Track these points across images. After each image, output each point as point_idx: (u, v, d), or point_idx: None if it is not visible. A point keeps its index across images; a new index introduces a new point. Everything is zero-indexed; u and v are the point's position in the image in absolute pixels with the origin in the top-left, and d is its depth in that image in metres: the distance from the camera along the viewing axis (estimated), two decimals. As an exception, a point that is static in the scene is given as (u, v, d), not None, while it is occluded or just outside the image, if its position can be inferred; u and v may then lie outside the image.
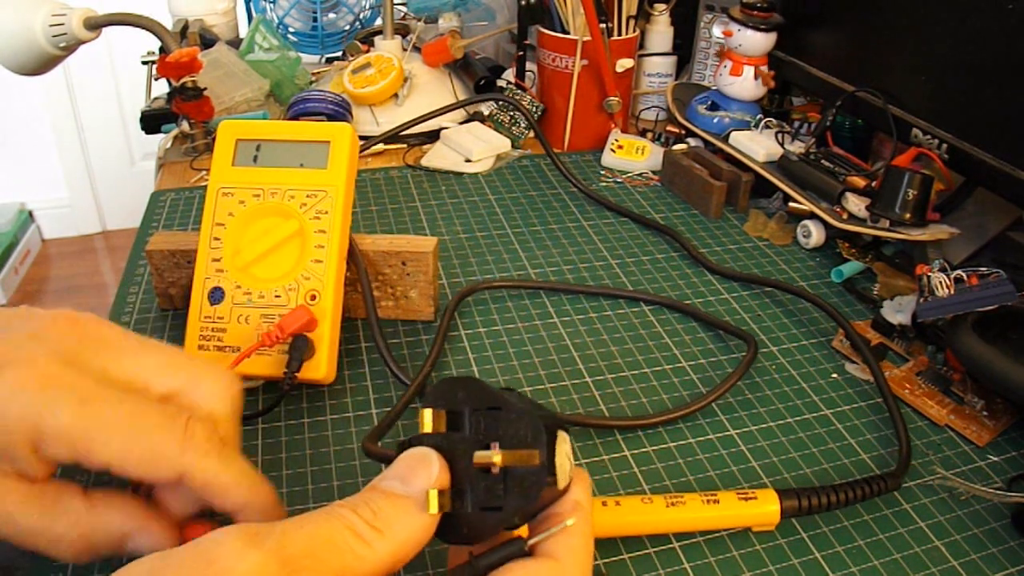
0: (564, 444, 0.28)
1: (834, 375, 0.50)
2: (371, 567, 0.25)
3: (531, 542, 0.27)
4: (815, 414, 0.47)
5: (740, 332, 0.52)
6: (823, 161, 0.64)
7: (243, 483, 0.30)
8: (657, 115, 0.88)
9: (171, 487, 0.32)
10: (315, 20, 0.95)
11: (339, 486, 0.41)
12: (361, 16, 0.97)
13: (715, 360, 0.51)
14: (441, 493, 0.27)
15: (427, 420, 0.28)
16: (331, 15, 0.96)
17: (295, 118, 0.75)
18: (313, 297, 0.46)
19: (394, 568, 0.26)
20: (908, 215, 0.56)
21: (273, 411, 0.45)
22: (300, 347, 0.44)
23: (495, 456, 0.27)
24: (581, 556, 0.27)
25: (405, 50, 0.87)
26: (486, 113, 0.83)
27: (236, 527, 0.24)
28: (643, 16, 0.85)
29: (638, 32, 0.80)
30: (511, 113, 0.81)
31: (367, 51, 0.86)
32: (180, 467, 0.29)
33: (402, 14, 0.98)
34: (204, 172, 0.74)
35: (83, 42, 0.72)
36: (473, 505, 0.27)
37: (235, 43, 0.91)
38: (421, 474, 0.27)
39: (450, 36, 0.85)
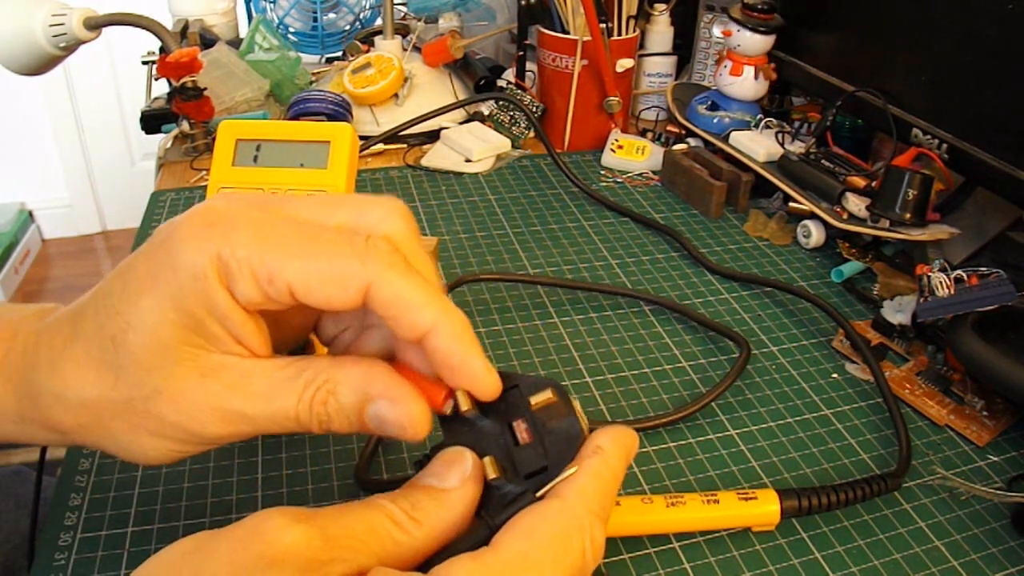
0: (574, 400, 0.30)
1: (834, 375, 0.50)
2: (410, 554, 0.26)
3: (539, 493, 0.28)
4: (815, 414, 0.47)
5: (732, 334, 0.52)
6: (823, 161, 0.64)
7: (432, 301, 0.28)
8: (657, 115, 0.88)
9: (362, 323, 0.31)
10: (315, 20, 0.95)
11: (339, 486, 0.41)
12: (361, 16, 0.97)
13: (715, 360, 0.51)
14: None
15: (462, 399, 0.29)
16: (331, 15, 0.96)
17: (295, 118, 0.75)
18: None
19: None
20: (908, 215, 0.56)
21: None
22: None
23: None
24: (591, 497, 0.27)
25: (405, 50, 0.87)
26: (486, 113, 0.83)
27: (281, 508, 0.24)
28: (643, 16, 0.85)
29: (638, 32, 0.80)
30: (511, 113, 0.81)
31: (367, 51, 0.86)
32: (364, 279, 0.27)
33: (402, 14, 0.98)
34: (204, 172, 0.75)
35: (83, 42, 0.72)
36: (519, 475, 0.28)
37: (235, 43, 0.91)
38: (456, 469, 0.28)
39: (450, 36, 0.85)
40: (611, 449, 0.29)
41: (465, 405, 0.29)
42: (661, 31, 0.87)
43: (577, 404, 0.30)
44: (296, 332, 0.33)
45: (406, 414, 0.28)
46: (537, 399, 0.29)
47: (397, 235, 0.30)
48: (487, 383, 0.29)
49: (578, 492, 0.27)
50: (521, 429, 0.29)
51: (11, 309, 0.34)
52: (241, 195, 0.30)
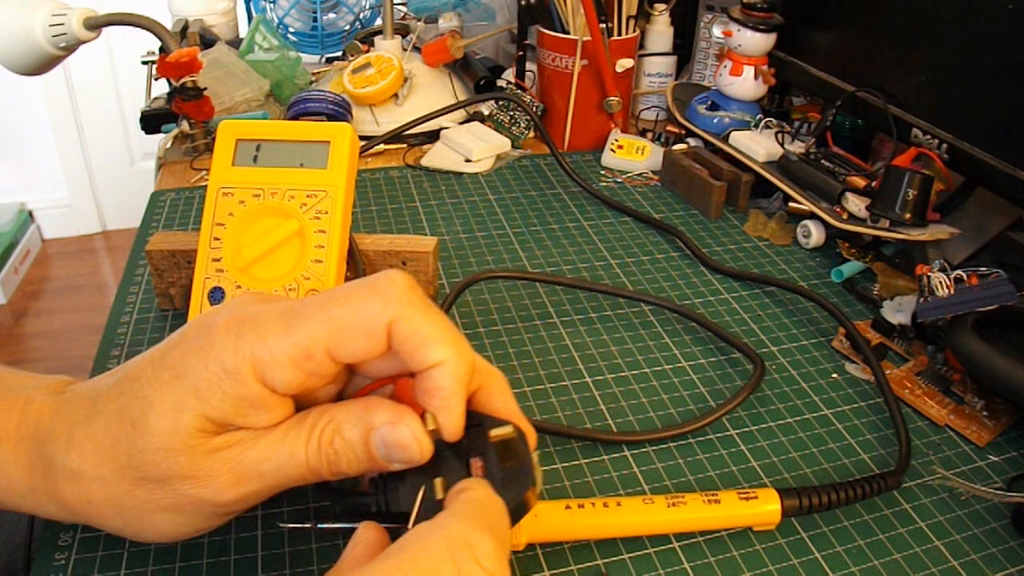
0: (534, 453, 0.32)
1: (834, 375, 0.50)
2: None
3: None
4: (815, 414, 0.47)
5: (747, 349, 0.50)
6: (823, 161, 0.64)
7: (446, 338, 0.30)
8: (657, 115, 0.88)
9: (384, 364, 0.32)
10: (315, 20, 0.95)
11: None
12: (361, 16, 0.97)
13: (715, 360, 0.51)
14: None
15: (431, 420, 0.30)
16: (331, 15, 0.96)
17: (295, 118, 0.75)
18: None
19: None
20: (908, 215, 0.56)
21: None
22: None
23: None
24: (465, 515, 0.29)
25: (405, 50, 0.87)
26: (486, 113, 0.83)
27: None
28: (643, 16, 0.85)
29: (638, 32, 0.80)
30: (511, 113, 0.81)
31: (367, 51, 0.86)
32: (386, 318, 0.29)
33: (402, 14, 0.98)
34: (204, 172, 0.74)
35: (83, 42, 0.72)
36: None
37: (235, 43, 0.91)
38: None
39: (450, 36, 0.85)
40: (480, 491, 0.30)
41: (432, 424, 0.30)
42: (661, 31, 0.87)
43: (535, 456, 0.32)
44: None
45: (407, 432, 0.30)
46: (497, 432, 0.31)
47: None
48: (453, 428, 0.31)
49: (449, 514, 0.28)
50: (476, 466, 0.31)
51: (24, 380, 0.35)
52: (259, 294, 0.32)
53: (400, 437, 0.30)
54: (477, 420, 0.32)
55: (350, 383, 0.34)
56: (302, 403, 0.32)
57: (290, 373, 0.29)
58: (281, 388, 0.29)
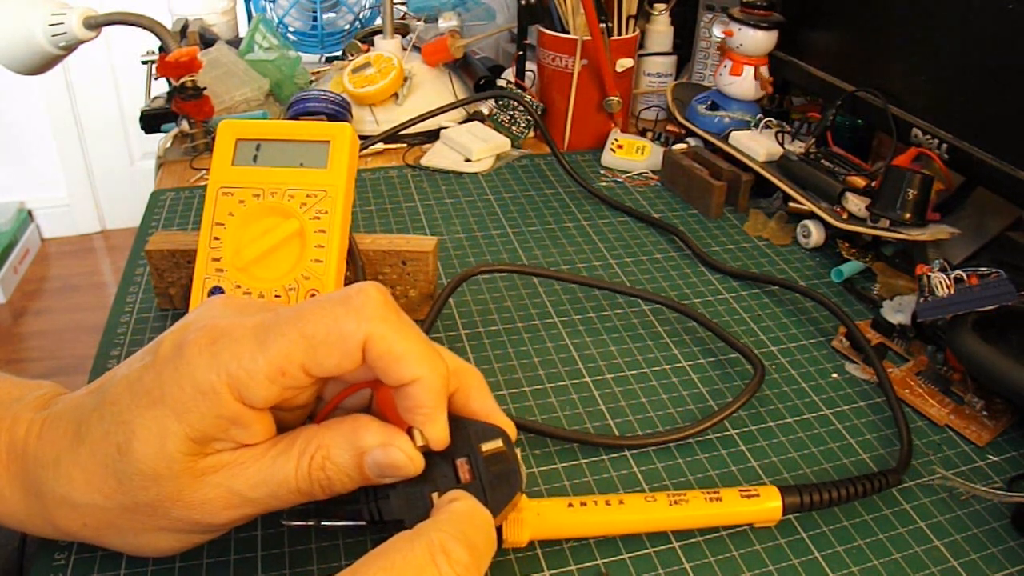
0: (518, 451, 0.33)
1: (834, 375, 0.50)
2: None
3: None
4: (815, 414, 0.47)
5: (747, 350, 0.50)
6: (823, 161, 0.64)
7: (420, 355, 0.30)
8: (657, 115, 0.88)
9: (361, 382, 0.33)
10: (315, 19, 0.95)
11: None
12: (361, 15, 0.97)
13: (714, 360, 0.51)
14: None
15: (418, 436, 0.31)
16: (331, 14, 0.96)
17: (295, 118, 0.75)
18: (313, 296, 0.46)
19: None
20: (908, 215, 0.56)
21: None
22: None
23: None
24: (443, 525, 0.30)
25: (405, 49, 0.87)
26: (486, 113, 0.83)
27: None
28: (643, 16, 0.85)
29: (638, 32, 0.80)
30: (510, 113, 0.81)
31: (367, 50, 0.86)
32: (361, 335, 0.29)
33: (402, 13, 0.98)
34: (204, 172, 0.74)
35: (83, 42, 0.72)
36: None
37: (235, 42, 0.91)
38: None
39: (450, 36, 0.85)
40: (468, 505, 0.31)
41: (420, 441, 0.31)
42: (661, 31, 0.87)
43: (519, 454, 0.33)
44: (297, 415, 0.34)
45: (399, 453, 0.31)
46: (488, 446, 0.32)
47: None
48: (439, 439, 0.32)
49: (432, 522, 0.29)
50: (464, 470, 0.32)
51: (11, 391, 0.35)
52: (233, 301, 0.32)
53: (393, 459, 0.30)
54: (459, 423, 0.33)
55: (328, 386, 0.34)
56: (281, 408, 0.32)
57: (266, 390, 0.29)
58: (259, 404, 0.30)
